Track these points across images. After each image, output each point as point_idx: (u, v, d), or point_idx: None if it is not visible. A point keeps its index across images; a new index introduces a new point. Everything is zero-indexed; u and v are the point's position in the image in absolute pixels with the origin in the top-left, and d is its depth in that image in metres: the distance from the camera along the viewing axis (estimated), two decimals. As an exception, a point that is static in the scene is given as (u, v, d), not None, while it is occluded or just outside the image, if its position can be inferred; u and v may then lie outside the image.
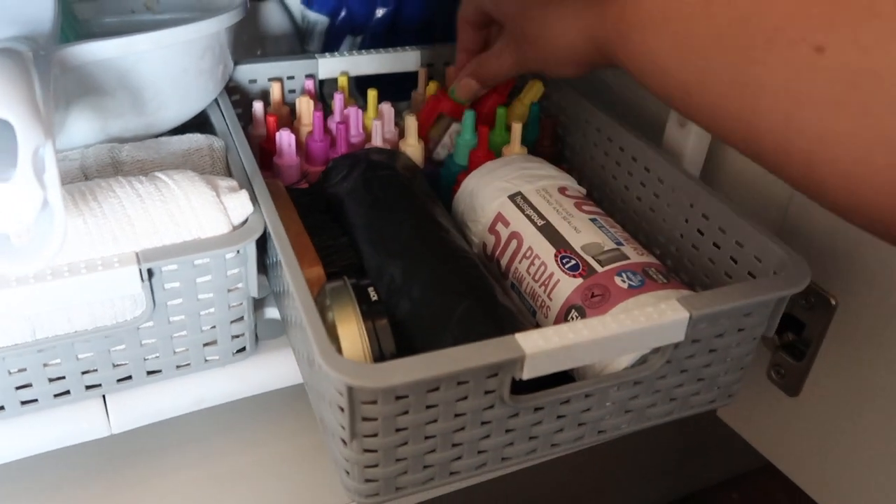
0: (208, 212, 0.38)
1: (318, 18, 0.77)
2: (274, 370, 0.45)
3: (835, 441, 0.47)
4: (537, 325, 0.43)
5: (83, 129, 0.43)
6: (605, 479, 0.50)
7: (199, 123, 0.51)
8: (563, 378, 0.36)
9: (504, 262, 0.46)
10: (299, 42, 0.78)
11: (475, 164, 0.52)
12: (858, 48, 0.23)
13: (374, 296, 0.37)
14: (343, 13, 0.77)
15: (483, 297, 0.39)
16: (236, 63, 0.56)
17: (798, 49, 0.24)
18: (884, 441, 0.44)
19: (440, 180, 0.55)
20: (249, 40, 0.75)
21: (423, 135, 0.55)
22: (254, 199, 0.41)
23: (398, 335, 0.37)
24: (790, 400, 0.48)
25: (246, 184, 0.42)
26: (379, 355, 0.35)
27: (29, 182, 0.29)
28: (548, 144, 0.57)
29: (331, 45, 0.78)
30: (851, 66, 0.23)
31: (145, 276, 0.37)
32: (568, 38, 0.41)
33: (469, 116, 0.53)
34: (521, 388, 0.34)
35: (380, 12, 0.76)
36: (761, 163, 0.29)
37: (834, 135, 0.24)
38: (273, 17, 0.77)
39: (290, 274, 0.35)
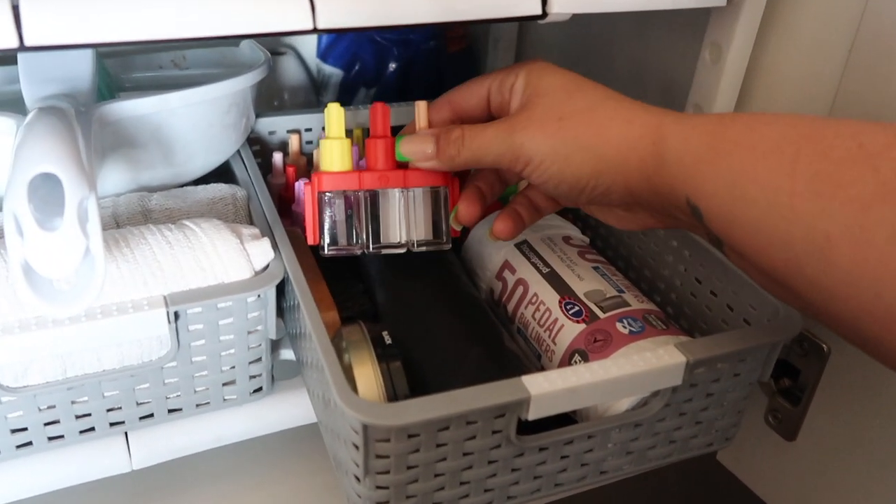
0: (233, 258, 0.41)
1: (333, 72, 0.81)
2: (289, 409, 0.47)
3: (831, 485, 0.48)
4: (542, 369, 0.45)
5: (116, 179, 0.46)
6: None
7: (222, 172, 0.54)
8: (565, 421, 0.38)
9: (511, 307, 0.48)
10: (315, 94, 0.82)
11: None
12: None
13: (388, 339, 0.39)
14: (357, 67, 0.80)
15: (491, 343, 0.42)
16: (257, 116, 0.59)
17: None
18: (879, 486, 0.46)
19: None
20: (268, 91, 0.78)
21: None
22: (274, 246, 0.43)
23: (411, 378, 0.39)
24: (787, 444, 0.50)
25: (267, 231, 0.45)
26: (393, 396, 0.37)
27: (74, 232, 0.32)
28: (553, 195, 0.59)
29: (346, 96, 0.81)
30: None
31: (172, 318, 0.39)
32: (617, 124, 0.34)
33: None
34: (526, 430, 0.36)
35: (391, 66, 0.80)
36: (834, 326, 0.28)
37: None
38: (290, 70, 0.81)
39: (310, 318, 0.38)
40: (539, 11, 0.40)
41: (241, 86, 0.50)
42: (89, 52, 0.46)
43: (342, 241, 0.43)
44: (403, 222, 0.43)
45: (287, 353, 0.48)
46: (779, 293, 0.31)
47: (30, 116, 0.38)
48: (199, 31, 0.34)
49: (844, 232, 0.25)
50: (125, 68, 0.62)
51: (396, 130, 0.62)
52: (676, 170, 0.32)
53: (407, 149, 0.42)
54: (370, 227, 0.42)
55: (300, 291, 0.39)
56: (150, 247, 0.40)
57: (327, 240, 0.43)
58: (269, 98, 0.78)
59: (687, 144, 0.31)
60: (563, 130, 0.35)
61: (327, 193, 0.42)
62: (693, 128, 0.32)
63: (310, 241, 0.43)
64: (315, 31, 0.36)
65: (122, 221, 0.44)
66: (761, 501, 0.52)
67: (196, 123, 0.48)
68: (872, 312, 0.25)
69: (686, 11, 0.46)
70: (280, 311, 0.47)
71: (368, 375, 0.37)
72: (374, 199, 0.43)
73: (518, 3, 0.40)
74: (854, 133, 0.27)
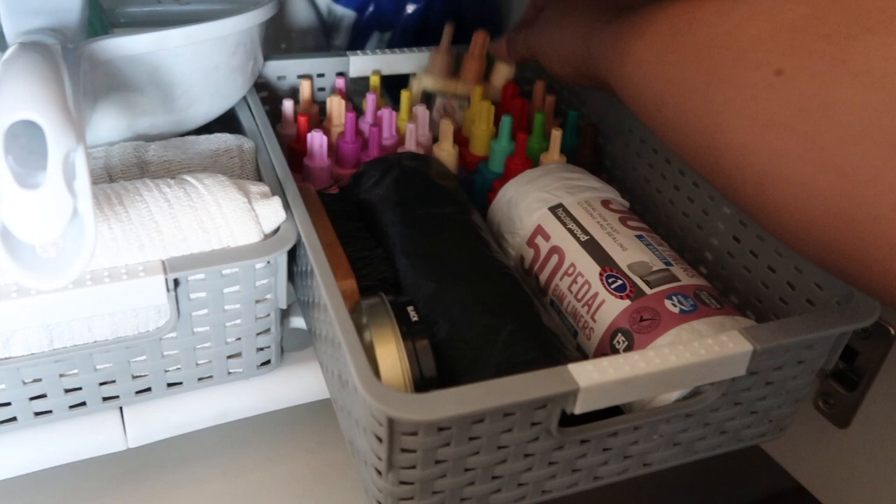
0: (240, 219, 0.36)
1: (345, 13, 0.75)
2: (299, 384, 0.43)
3: (886, 479, 0.44)
4: (580, 348, 0.41)
5: (109, 126, 0.41)
6: (634, 497, 0.48)
7: (227, 120, 0.49)
8: (609, 408, 0.34)
9: (543, 277, 0.44)
10: (325, 37, 0.76)
11: (512, 171, 0.50)
12: (811, 73, 0.24)
13: (413, 315, 0.35)
14: (371, 8, 0.74)
15: (528, 319, 0.37)
16: (265, 59, 0.54)
17: (760, 71, 0.25)
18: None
19: (473, 187, 0.52)
20: (274, 33, 0.73)
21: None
22: (286, 206, 0.39)
23: (437, 357, 0.35)
24: (838, 432, 0.46)
25: (277, 189, 0.40)
26: (419, 379, 0.33)
27: (59, 190, 0.27)
28: (588, 154, 0.55)
29: (357, 41, 0.76)
30: (803, 91, 0.24)
31: (171, 285, 0.35)
32: (568, 36, 0.44)
33: (506, 121, 0.50)
34: (566, 421, 0.32)
35: (410, 8, 0.74)
36: (718, 183, 0.30)
37: (785, 156, 0.25)
38: (299, 11, 0.75)
39: (326, 289, 0.33)
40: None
41: (249, 23, 0.44)
42: (78, -17, 0.41)
43: None
44: None
45: (297, 322, 0.44)
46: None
47: (8, 53, 0.33)
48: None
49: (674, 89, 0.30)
50: (120, 1, 0.56)
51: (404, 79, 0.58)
52: (596, 60, 0.40)
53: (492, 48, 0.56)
54: None
55: (315, 258, 0.35)
56: (147, 205, 0.35)
57: None
58: (275, 40, 0.73)
59: (603, 49, 0.38)
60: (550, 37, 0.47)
61: None
62: (608, 24, 0.38)
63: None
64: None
65: (115, 174, 0.40)
66: (807, 492, 0.48)
67: (199, 65, 0.43)
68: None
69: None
70: (290, 275, 0.43)
71: (392, 356, 0.33)
72: None
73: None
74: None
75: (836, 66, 0.23)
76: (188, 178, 0.37)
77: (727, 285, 0.44)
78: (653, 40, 0.32)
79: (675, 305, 0.38)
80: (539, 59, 0.50)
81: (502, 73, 0.57)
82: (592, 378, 0.30)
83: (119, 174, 0.40)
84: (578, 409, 0.30)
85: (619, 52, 0.35)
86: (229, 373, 0.41)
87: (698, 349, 0.32)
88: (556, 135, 0.51)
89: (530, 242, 0.45)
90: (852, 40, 0.23)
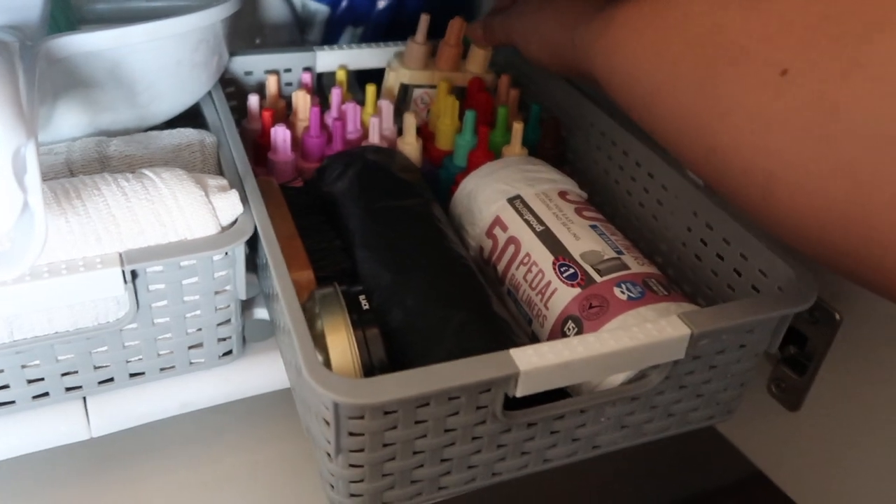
0: (196, 212, 0.37)
1: (319, 8, 0.75)
2: (261, 374, 0.44)
3: (835, 458, 0.46)
4: (533, 335, 0.42)
5: (71, 122, 0.42)
6: (598, 487, 0.49)
7: (191, 115, 0.50)
8: (556, 392, 0.35)
9: (501, 267, 0.45)
10: (299, 32, 0.77)
11: (474, 164, 0.51)
12: (820, 75, 0.23)
13: (365, 304, 0.35)
14: (344, 3, 0.75)
15: (479, 307, 0.38)
16: (232, 54, 0.55)
17: (764, 70, 0.24)
18: (885, 460, 0.43)
19: (438, 181, 0.53)
20: (248, 28, 0.73)
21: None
22: (244, 199, 0.39)
23: (391, 345, 0.36)
24: (790, 414, 0.47)
25: (237, 182, 0.41)
26: (369, 366, 0.34)
27: (8, 184, 0.28)
28: (550, 146, 0.56)
29: (331, 35, 0.76)
30: (813, 93, 0.23)
31: (129, 277, 0.36)
32: (550, 23, 0.43)
33: (470, 116, 0.51)
34: (514, 401, 0.33)
35: (381, 3, 0.75)
36: (719, 183, 0.28)
37: (795, 159, 0.24)
38: (273, 6, 0.76)
39: (279, 280, 0.34)
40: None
41: (210, 20, 0.45)
42: (39, -20, 0.41)
43: None
44: None
45: (261, 313, 0.45)
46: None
47: (-36, 50, 0.34)
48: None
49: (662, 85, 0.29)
50: (88, -2, 0.57)
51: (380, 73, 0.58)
52: (581, 53, 0.39)
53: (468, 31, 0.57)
54: None
55: (269, 250, 0.36)
56: (105, 199, 0.36)
57: None
58: (249, 35, 0.73)
59: (590, 40, 0.37)
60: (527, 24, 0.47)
61: None
62: (593, 19, 0.37)
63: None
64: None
65: (76, 169, 0.40)
66: (760, 472, 0.49)
67: (161, 61, 0.44)
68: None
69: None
70: (254, 268, 0.44)
71: (343, 344, 0.34)
72: None
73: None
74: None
75: (849, 69, 0.22)
76: (147, 172, 0.38)
77: (680, 274, 0.45)
78: (643, 33, 0.31)
79: (623, 293, 0.39)
80: (516, 44, 0.49)
81: (478, 57, 0.57)
82: (532, 362, 0.31)
83: (80, 169, 0.40)
84: (520, 392, 0.31)
85: (607, 44, 0.34)
86: (191, 363, 0.41)
87: (637, 333, 0.33)
88: (518, 128, 0.52)
89: (489, 233, 0.46)
90: (866, 43, 0.22)
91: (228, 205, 0.38)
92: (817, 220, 0.24)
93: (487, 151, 0.52)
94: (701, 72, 0.27)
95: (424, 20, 0.57)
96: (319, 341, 0.34)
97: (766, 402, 0.49)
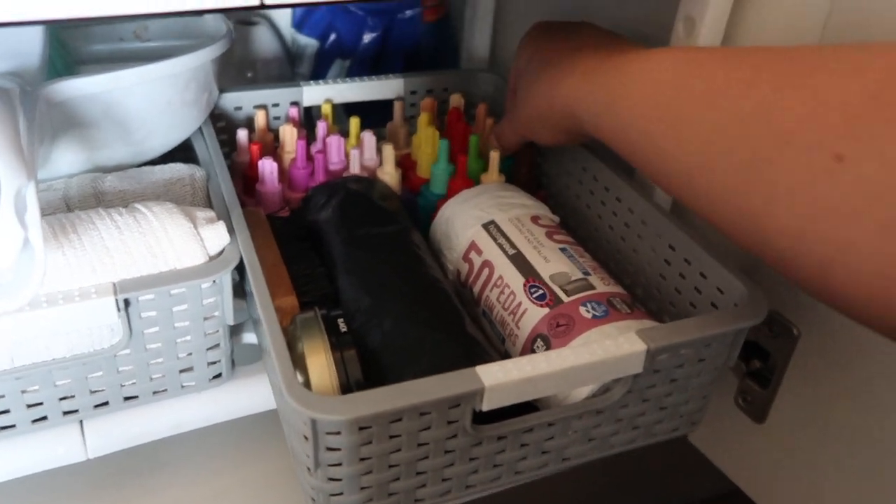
0: (185, 243, 0.39)
1: (309, 42, 0.79)
2: (250, 395, 0.46)
3: (799, 468, 0.48)
4: (507, 354, 0.44)
5: (69, 159, 0.45)
6: (575, 501, 0.51)
7: (185, 149, 0.52)
8: (527, 407, 0.38)
9: (476, 289, 0.47)
10: (290, 65, 0.80)
11: (454, 192, 0.53)
12: (881, 161, 0.22)
13: (343, 327, 0.38)
14: (332, 37, 0.78)
15: (452, 328, 0.41)
16: (222, 90, 0.58)
17: (816, 155, 0.24)
18: (847, 467, 0.45)
19: (418, 210, 0.56)
20: (240, 63, 0.76)
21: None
22: (231, 230, 0.42)
23: (370, 365, 0.38)
24: (757, 426, 0.49)
25: (224, 214, 0.43)
26: (346, 386, 0.36)
27: (10, 223, 0.31)
28: (525, 173, 0.58)
29: (321, 68, 0.79)
30: (873, 179, 0.22)
31: (121, 305, 0.38)
32: (544, 103, 0.43)
33: (443, 145, 0.54)
34: (486, 417, 0.35)
35: (367, 37, 0.78)
36: (769, 261, 0.28)
37: (854, 246, 0.23)
38: (264, 41, 0.79)
39: (261, 305, 0.37)
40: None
41: (199, 61, 0.48)
42: (40, 29, 0.44)
43: None
44: None
45: (250, 337, 0.47)
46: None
47: (-32, 97, 0.36)
48: (134, 7, 0.32)
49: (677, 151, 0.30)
50: (84, 40, 0.60)
51: (372, 106, 0.61)
52: (586, 124, 0.40)
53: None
54: None
55: (253, 277, 0.38)
56: (99, 232, 0.39)
57: None
58: (241, 70, 0.77)
59: (589, 105, 0.39)
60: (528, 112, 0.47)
61: None
62: (592, 90, 0.38)
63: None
64: (262, 6, 0.34)
65: (73, 205, 0.43)
66: (732, 483, 0.51)
67: (153, 101, 0.47)
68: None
69: None
70: (243, 294, 0.46)
71: (321, 365, 0.36)
72: None
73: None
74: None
75: None
76: (139, 206, 0.41)
77: (647, 293, 0.48)
78: (662, 111, 0.31)
79: (588, 312, 0.41)
80: (530, 139, 0.49)
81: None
82: (497, 378, 0.33)
83: (77, 204, 0.43)
84: (486, 406, 0.34)
85: (619, 123, 0.34)
86: (183, 386, 0.44)
87: (597, 350, 0.35)
88: (494, 156, 0.55)
89: (465, 257, 0.48)
90: None
91: (215, 235, 0.40)
92: (882, 302, 0.23)
93: (466, 179, 0.55)
94: (742, 156, 0.26)
95: (399, 106, 0.62)
96: (300, 363, 0.36)
97: (736, 415, 0.51)
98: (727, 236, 0.30)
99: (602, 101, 0.37)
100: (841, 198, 0.23)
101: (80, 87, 0.42)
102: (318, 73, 0.79)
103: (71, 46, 0.58)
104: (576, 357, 0.34)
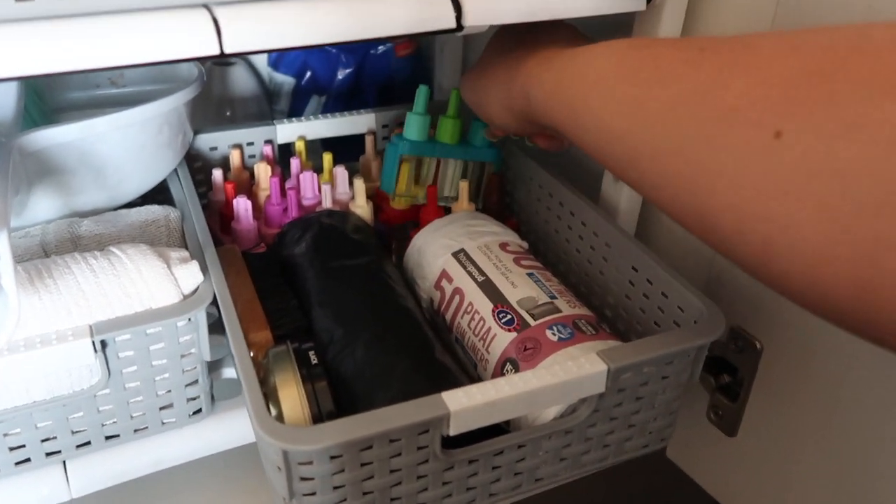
0: (159, 283, 0.40)
1: (285, 80, 0.81)
2: (231, 430, 0.47)
3: (771, 477, 0.49)
4: (479, 379, 0.45)
5: (46, 206, 0.46)
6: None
7: (163, 190, 0.54)
8: (500, 430, 0.39)
9: (448, 316, 0.48)
10: (268, 103, 0.82)
11: (425, 221, 0.55)
12: (817, 138, 0.22)
13: (314, 359, 0.39)
14: (308, 74, 0.80)
15: (422, 355, 0.42)
16: (197, 132, 0.59)
17: (756, 132, 0.24)
18: (816, 474, 0.46)
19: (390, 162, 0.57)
20: (219, 102, 0.78)
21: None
22: (205, 269, 0.43)
23: (344, 394, 0.39)
24: (729, 439, 0.50)
25: (199, 253, 0.45)
26: (318, 416, 0.37)
27: (-19, 270, 0.32)
28: (495, 201, 0.60)
29: (298, 104, 0.81)
30: (810, 156, 0.22)
31: (99, 346, 0.39)
32: (500, 87, 0.44)
33: (422, 90, 0.55)
34: (459, 441, 0.36)
35: (342, 73, 0.80)
36: (714, 243, 0.28)
37: (794, 224, 0.23)
38: (241, 80, 0.81)
39: (233, 341, 0.38)
40: (454, 25, 0.40)
41: (170, 105, 0.49)
42: (13, 84, 0.46)
43: None
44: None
45: (229, 372, 0.48)
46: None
47: (-56, 151, 0.38)
48: (95, 61, 0.34)
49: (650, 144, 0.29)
50: (61, 88, 0.61)
51: (348, 138, 0.63)
52: (537, 105, 0.40)
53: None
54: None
55: (226, 313, 0.39)
56: (74, 276, 0.40)
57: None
58: (219, 109, 0.78)
59: (542, 83, 0.39)
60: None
61: None
62: (548, 70, 0.38)
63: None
64: (222, 55, 0.36)
65: (50, 250, 0.44)
66: (708, 496, 0.52)
67: (127, 146, 0.48)
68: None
69: (610, 16, 0.46)
70: (222, 330, 0.47)
71: (293, 397, 0.37)
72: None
73: (434, 19, 0.40)
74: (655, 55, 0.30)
75: (849, 131, 0.21)
76: (114, 249, 0.42)
77: (615, 313, 0.49)
78: (611, 92, 0.31)
79: (554, 334, 0.42)
80: (483, 117, 0.49)
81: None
82: (462, 403, 0.34)
83: (54, 249, 0.44)
84: (453, 431, 0.35)
85: (571, 101, 0.34)
86: (163, 423, 0.44)
87: (559, 371, 0.36)
88: (464, 186, 0.56)
89: (437, 285, 0.50)
90: (865, 103, 0.21)
91: (189, 274, 0.42)
92: (821, 283, 0.23)
93: (437, 209, 0.56)
94: (689, 133, 0.26)
95: (370, 139, 0.64)
96: (273, 396, 0.37)
97: (710, 429, 0.52)
98: (675, 219, 0.29)
99: (554, 80, 0.37)
100: (780, 175, 0.23)
101: (54, 137, 0.43)
102: (296, 108, 0.81)
103: (47, 95, 0.60)
104: (538, 379, 0.36)
